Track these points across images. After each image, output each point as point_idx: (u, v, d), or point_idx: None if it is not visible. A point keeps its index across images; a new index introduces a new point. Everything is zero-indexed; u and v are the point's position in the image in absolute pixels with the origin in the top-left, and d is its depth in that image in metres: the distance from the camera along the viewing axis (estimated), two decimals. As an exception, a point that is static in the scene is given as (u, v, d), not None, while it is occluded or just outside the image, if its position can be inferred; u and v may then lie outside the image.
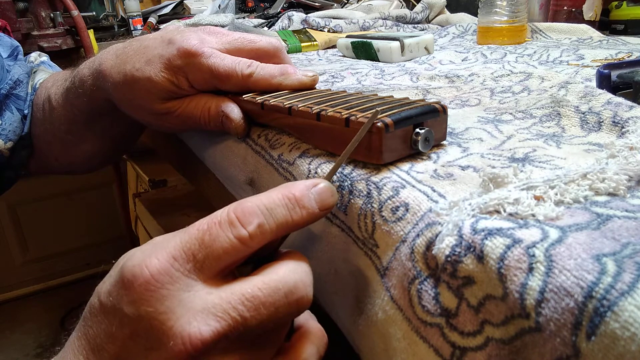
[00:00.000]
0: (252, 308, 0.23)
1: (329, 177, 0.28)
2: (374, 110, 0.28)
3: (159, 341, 0.23)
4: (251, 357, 0.25)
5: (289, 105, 0.35)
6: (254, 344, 0.25)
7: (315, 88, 0.40)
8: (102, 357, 0.24)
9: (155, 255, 0.24)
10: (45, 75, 0.57)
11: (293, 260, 0.25)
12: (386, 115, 0.29)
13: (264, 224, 0.24)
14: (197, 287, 0.23)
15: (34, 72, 0.58)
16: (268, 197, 0.25)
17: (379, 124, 0.28)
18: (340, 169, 0.30)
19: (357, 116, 0.29)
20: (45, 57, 0.62)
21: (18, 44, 0.58)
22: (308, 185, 0.26)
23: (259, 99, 0.37)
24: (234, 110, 0.39)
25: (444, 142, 0.33)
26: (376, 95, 0.36)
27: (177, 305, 0.23)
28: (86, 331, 0.25)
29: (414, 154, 0.31)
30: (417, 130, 0.30)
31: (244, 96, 0.39)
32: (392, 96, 0.35)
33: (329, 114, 0.31)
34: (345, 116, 0.30)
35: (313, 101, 0.34)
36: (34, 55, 0.61)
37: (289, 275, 0.24)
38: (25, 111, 0.54)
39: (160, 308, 0.23)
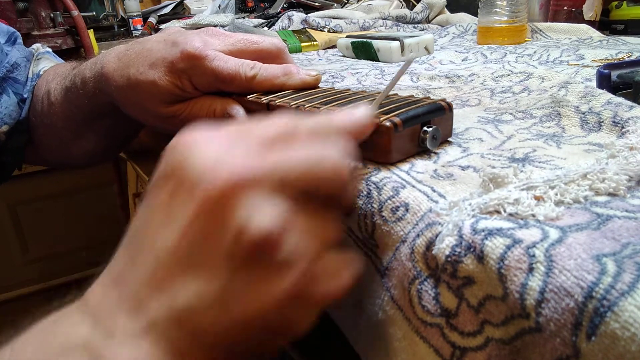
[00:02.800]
0: (288, 159, 0.22)
1: (376, 104, 0.29)
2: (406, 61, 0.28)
3: (194, 185, 0.21)
4: (297, 218, 0.22)
5: (296, 105, 0.35)
6: (299, 206, 0.22)
7: (318, 87, 0.40)
8: (137, 240, 0.23)
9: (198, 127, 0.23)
10: (50, 64, 0.57)
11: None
12: (394, 115, 0.29)
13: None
14: (236, 142, 0.23)
15: (38, 59, 0.58)
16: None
17: (387, 124, 0.28)
18: None
19: None
20: (48, 49, 0.62)
21: (15, 30, 0.58)
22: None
23: (264, 99, 0.38)
24: (239, 112, 0.39)
25: (449, 139, 0.33)
26: (380, 93, 0.36)
27: (214, 150, 0.22)
28: (126, 232, 0.24)
29: (421, 152, 0.31)
30: (425, 128, 0.30)
31: (248, 97, 0.39)
32: (397, 94, 0.35)
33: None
34: None
35: (319, 101, 0.34)
36: (37, 46, 0.61)
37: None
38: (25, 95, 0.54)
39: (197, 153, 0.22)
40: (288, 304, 0.22)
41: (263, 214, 0.21)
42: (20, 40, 0.57)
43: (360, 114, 0.26)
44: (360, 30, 0.95)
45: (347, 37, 0.76)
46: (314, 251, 0.22)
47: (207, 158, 0.22)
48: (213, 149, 0.22)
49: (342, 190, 0.24)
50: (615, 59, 0.54)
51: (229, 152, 0.22)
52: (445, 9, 1.08)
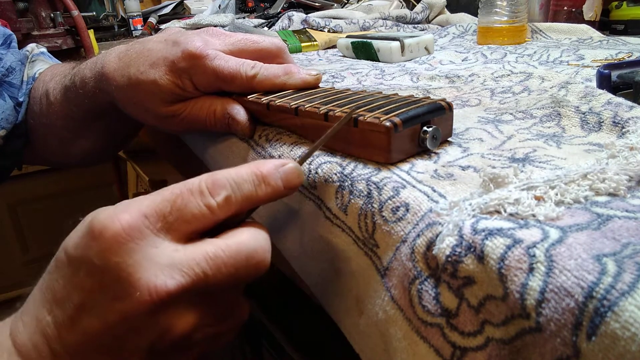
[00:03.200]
0: (214, 266, 0.25)
1: (301, 161, 0.29)
2: (352, 108, 0.30)
3: (125, 291, 0.24)
4: (210, 313, 0.27)
5: (296, 105, 0.35)
6: (213, 301, 0.27)
7: (319, 87, 0.40)
8: (66, 307, 0.25)
9: (127, 211, 0.25)
10: (45, 66, 0.57)
11: (254, 228, 0.27)
12: (394, 115, 0.29)
13: (231, 196, 0.26)
14: (165, 244, 0.25)
15: (33, 62, 0.58)
16: (237, 172, 0.27)
17: (387, 124, 0.28)
18: (340, 169, 0.30)
19: (365, 116, 0.30)
20: (43, 49, 0.62)
21: (11, 32, 0.57)
22: (277, 165, 0.28)
23: (264, 99, 0.38)
24: (240, 112, 0.39)
25: (449, 139, 0.33)
26: (381, 93, 0.36)
27: (145, 259, 0.24)
28: (50, 284, 0.26)
29: (421, 152, 0.31)
30: (425, 128, 0.30)
31: (249, 97, 0.39)
32: (396, 94, 0.35)
33: (336, 114, 0.31)
34: (353, 116, 0.30)
35: (319, 101, 0.34)
36: (31, 46, 0.61)
37: (250, 240, 0.26)
38: (21, 99, 0.54)
39: (129, 260, 0.24)
40: None
41: (182, 321, 0.26)
42: (15, 44, 0.57)
43: (278, 179, 0.28)
44: (360, 31, 0.95)
45: (347, 37, 0.76)
46: (217, 327, 0.28)
47: (142, 268, 0.24)
48: (145, 256, 0.24)
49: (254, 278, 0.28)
50: (615, 59, 0.54)
51: (158, 264, 0.24)
52: (445, 9, 1.08)
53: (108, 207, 0.26)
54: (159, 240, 0.25)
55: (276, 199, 0.28)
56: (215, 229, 0.27)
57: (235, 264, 0.25)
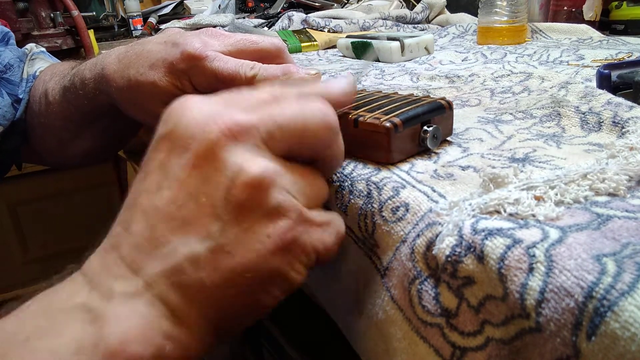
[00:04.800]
0: (282, 113, 0.24)
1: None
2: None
3: (191, 136, 0.23)
4: (286, 173, 0.24)
5: None
6: (289, 163, 0.24)
7: None
8: (134, 202, 0.24)
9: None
10: (45, 64, 0.57)
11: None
12: (394, 115, 0.29)
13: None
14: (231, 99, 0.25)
15: (32, 59, 0.57)
16: None
17: (387, 124, 0.28)
18: (340, 169, 0.30)
19: (366, 117, 0.30)
20: (42, 49, 0.62)
21: (9, 30, 0.57)
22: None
23: None
24: None
25: (449, 139, 0.33)
26: (381, 92, 0.36)
27: (210, 104, 0.24)
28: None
29: (422, 152, 0.31)
30: (425, 127, 0.30)
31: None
32: (396, 92, 0.35)
33: (337, 114, 0.31)
34: (353, 117, 0.30)
35: None
36: (30, 46, 0.61)
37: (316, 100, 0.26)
38: (20, 96, 0.54)
39: (195, 109, 0.23)
40: (280, 253, 0.23)
41: (254, 161, 0.22)
42: (13, 41, 0.57)
43: (343, 83, 0.29)
44: (360, 31, 0.95)
45: (347, 37, 0.76)
46: (303, 202, 0.24)
47: (199, 115, 0.23)
48: (205, 108, 0.23)
49: (328, 146, 0.25)
50: (615, 59, 0.54)
51: (221, 109, 0.23)
52: (445, 9, 1.08)
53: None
54: (226, 99, 0.25)
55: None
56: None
57: (303, 115, 0.24)
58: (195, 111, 0.23)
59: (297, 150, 0.24)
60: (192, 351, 0.23)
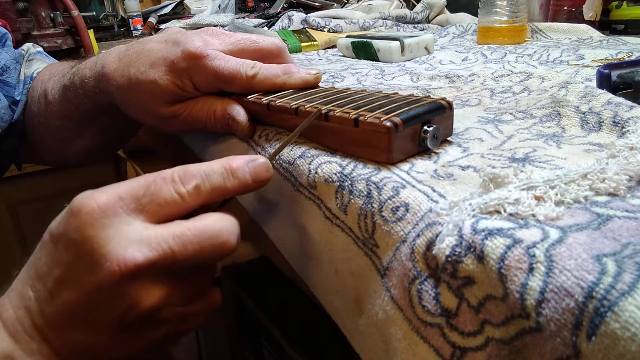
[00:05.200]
0: (181, 244, 0.27)
1: (271, 157, 0.32)
2: (320, 106, 0.32)
3: (97, 263, 0.26)
4: (178, 292, 0.29)
5: (296, 105, 0.34)
6: (181, 280, 0.29)
7: (318, 86, 0.40)
8: (46, 282, 0.28)
9: (104, 192, 0.28)
10: (43, 65, 0.57)
11: (222, 213, 0.29)
12: (395, 115, 0.29)
13: (200, 186, 0.29)
14: (136, 223, 0.27)
15: (30, 60, 0.57)
16: (209, 165, 0.30)
17: (387, 124, 0.28)
18: (340, 169, 0.30)
19: (366, 116, 0.30)
20: (39, 48, 0.62)
21: (6, 31, 0.57)
22: (246, 160, 0.30)
23: (265, 99, 0.37)
24: (240, 113, 0.39)
25: (449, 139, 0.33)
26: (381, 92, 0.36)
27: (116, 234, 0.27)
28: (34, 262, 0.29)
29: (422, 152, 0.31)
30: (425, 127, 0.30)
31: (248, 97, 0.39)
32: (396, 93, 0.35)
33: (337, 114, 0.31)
34: (353, 117, 0.30)
35: (319, 101, 0.34)
36: (27, 46, 0.61)
37: (216, 222, 0.28)
38: (17, 98, 0.54)
39: (101, 234, 0.26)
40: (159, 343, 0.30)
41: (149, 295, 0.27)
42: (10, 42, 0.57)
43: (258, 170, 0.31)
44: (360, 30, 0.95)
45: (347, 37, 0.76)
46: (187, 302, 0.30)
47: (108, 243, 0.26)
48: (114, 232, 0.27)
49: (216, 260, 0.30)
50: (615, 59, 0.54)
51: (126, 240, 0.27)
52: (445, 9, 1.08)
53: (89, 190, 0.28)
54: (131, 219, 0.27)
55: (245, 192, 0.30)
56: (188, 217, 0.29)
57: (200, 242, 0.27)
58: (105, 235, 0.26)
59: (189, 266, 0.29)
60: None
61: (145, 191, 0.28)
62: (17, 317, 0.28)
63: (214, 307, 0.32)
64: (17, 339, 0.28)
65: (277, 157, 0.33)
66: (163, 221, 0.28)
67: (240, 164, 0.30)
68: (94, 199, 0.27)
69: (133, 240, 0.27)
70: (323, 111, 0.32)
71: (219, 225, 0.28)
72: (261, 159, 0.30)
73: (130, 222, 0.27)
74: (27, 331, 0.28)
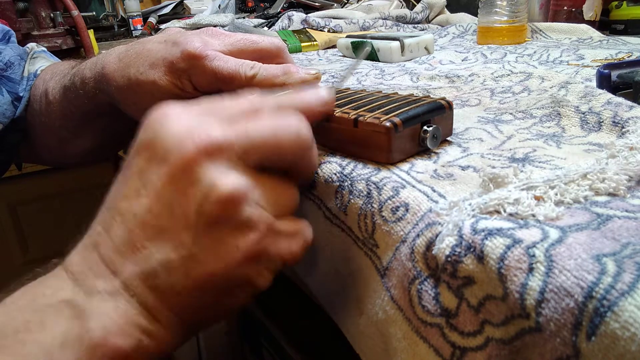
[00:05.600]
0: (257, 128, 0.25)
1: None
2: (352, 107, 0.32)
3: (167, 150, 0.24)
4: (258, 186, 0.25)
5: None
6: (261, 175, 0.25)
7: (319, 86, 0.40)
8: (116, 203, 0.25)
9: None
10: (46, 63, 0.57)
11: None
12: (394, 115, 0.29)
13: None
14: (211, 118, 0.25)
15: (34, 58, 0.58)
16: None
17: (387, 124, 0.28)
18: (340, 169, 0.30)
19: (366, 116, 0.30)
20: (43, 48, 0.62)
21: (10, 28, 0.57)
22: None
23: None
24: None
25: (449, 139, 0.33)
26: (381, 92, 0.36)
27: (187, 117, 0.25)
28: (104, 201, 0.26)
29: (422, 152, 0.31)
30: (425, 127, 0.30)
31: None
32: (396, 93, 0.35)
33: (336, 114, 0.31)
34: (353, 117, 0.30)
35: None
36: (31, 45, 0.61)
37: (288, 117, 0.26)
38: (21, 94, 0.54)
39: (172, 121, 0.24)
40: (248, 262, 0.25)
41: (227, 177, 0.24)
42: (14, 39, 0.57)
43: (322, 94, 0.30)
44: (360, 30, 0.95)
45: (347, 37, 0.76)
46: (272, 214, 0.25)
47: (178, 129, 0.24)
48: (184, 121, 0.24)
49: (301, 159, 0.27)
50: (615, 59, 0.54)
51: (198, 124, 0.24)
52: (445, 9, 1.08)
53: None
54: (203, 111, 0.26)
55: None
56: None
57: (275, 129, 0.25)
58: (174, 124, 0.24)
59: (271, 163, 0.26)
60: (167, 344, 0.25)
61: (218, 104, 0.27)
62: (83, 258, 0.25)
63: (307, 240, 0.27)
64: (78, 280, 0.25)
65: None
66: None
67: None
68: (167, 105, 0.25)
69: (208, 122, 0.24)
70: None
71: (293, 118, 0.26)
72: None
73: (202, 112, 0.25)
74: (92, 268, 0.25)
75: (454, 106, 0.33)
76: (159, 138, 0.24)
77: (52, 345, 0.22)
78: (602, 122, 0.33)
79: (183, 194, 0.24)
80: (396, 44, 0.66)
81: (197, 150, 0.23)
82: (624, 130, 0.31)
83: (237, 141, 0.24)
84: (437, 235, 0.23)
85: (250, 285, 0.25)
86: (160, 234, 0.24)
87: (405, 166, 0.29)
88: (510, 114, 0.38)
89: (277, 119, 0.26)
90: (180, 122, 0.24)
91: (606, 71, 0.37)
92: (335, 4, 1.23)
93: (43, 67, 0.56)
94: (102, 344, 0.23)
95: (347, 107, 0.32)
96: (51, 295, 0.24)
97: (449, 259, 0.22)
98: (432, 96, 0.33)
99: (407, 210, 0.25)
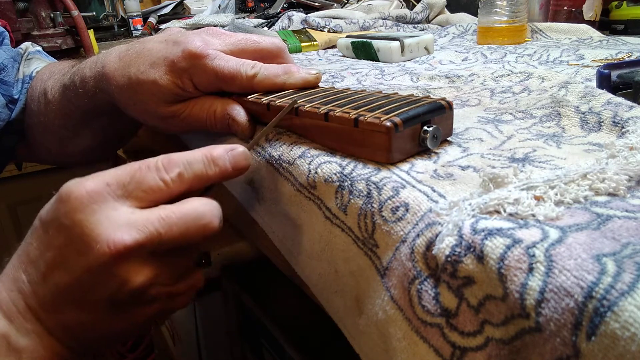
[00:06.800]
0: (166, 225, 0.29)
1: (250, 146, 0.33)
2: (293, 99, 0.33)
3: (87, 246, 0.28)
4: (164, 272, 0.30)
5: (296, 106, 0.35)
6: (167, 262, 0.31)
7: (318, 86, 0.40)
8: (39, 265, 0.29)
9: (91, 179, 0.29)
10: (42, 64, 0.57)
11: (205, 198, 0.31)
12: (395, 115, 0.29)
13: (183, 173, 0.30)
14: (123, 208, 0.29)
15: (29, 60, 0.57)
16: (191, 153, 0.31)
17: (387, 124, 0.28)
18: (340, 169, 0.30)
19: (366, 116, 0.30)
20: (38, 47, 0.62)
21: (3, 29, 0.57)
22: (226, 149, 0.32)
23: (265, 99, 0.37)
24: (240, 113, 0.39)
25: (449, 139, 0.33)
26: (381, 92, 0.36)
27: (105, 218, 0.28)
28: (26, 247, 0.30)
29: (422, 152, 0.31)
30: (425, 127, 0.30)
31: (249, 97, 0.39)
32: (396, 93, 0.35)
33: (336, 114, 0.31)
34: (353, 116, 0.30)
35: (319, 101, 0.34)
36: (25, 45, 0.61)
37: (199, 205, 0.30)
38: (16, 96, 0.54)
39: (91, 218, 0.28)
40: (148, 321, 0.32)
41: (138, 275, 0.29)
42: (7, 41, 0.57)
43: (237, 159, 0.32)
44: (360, 30, 0.95)
45: (347, 37, 0.76)
46: (174, 282, 0.32)
47: (97, 231, 0.28)
48: (102, 220, 0.28)
49: (203, 240, 0.31)
50: (615, 59, 0.54)
51: (114, 228, 0.28)
52: (445, 9, 1.08)
53: (76, 178, 0.30)
54: (118, 205, 0.29)
55: (226, 179, 0.32)
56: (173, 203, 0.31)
57: (185, 223, 0.29)
58: (92, 222, 0.28)
59: (175, 248, 0.30)
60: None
61: (131, 178, 0.29)
62: (10, 299, 0.30)
63: (198, 288, 0.34)
64: (11, 319, 0.29)
65: (255, 146, 0.36)
66: (149, 206, 0.30)
67: (221, 153, 0.31)
68: (82, 186, 0.28)
69: (121, 223, 0.28)
70: (322, 111, 0.32)
71: (202, 208, 0.30)
72: (240, 148, 0.32)
73: (118, 207, 0.29)
74: (21, 312, 0.30)
75: (454, 106, 0.33)
76: (79, 230, 0.28)
77: None
78: (602, 122, 0.33)
79: (99, 282, 0.29)
80: (396, 44, 0.66)
81: (115, 254, 0.28)
82: (624, 130, 0.31)
83: (148, 243, 0.28)
84: (437, 235, 0.23)
85: (149, 326, 0.34)
86: (78, 303, 0.29)
87: (405, 166, 0.29)
88: (510, 114, 0.38)
89: (182, 213, 0.29)
90: (98, 221, 0.28)
91: (606, 71, 0.37)
92: (335, 4, 1.23)
93: (39, 69, 0.56)
94: None
95: (347, 107, 0.32)
96: None
97: (449, 258, 0.22)
98: (432, 96, 0.33)
99: (407, 210, 0.25)
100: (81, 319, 0.30)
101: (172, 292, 0.32)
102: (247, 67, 0.39)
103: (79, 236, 0.28)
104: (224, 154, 0.31)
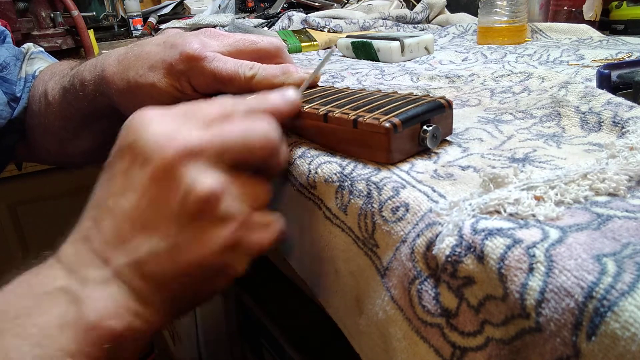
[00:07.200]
0: (229, 131, 0.28)
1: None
2: (352, 107, 0.32)
3: (151, 153, 0.26)
4: (234, 182, 0.28)
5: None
6: (237, 173, 0.28)
7: (318, 86, 0.40)
8: (103, 202, 0.28)
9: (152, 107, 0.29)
10: (45, 64, 0.57)
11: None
12: (394, 115, 0.29)
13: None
14: (184, 121, 0.28)
15: (32, 59, 0.57)
16: None
17: (387, 125, 0.28)
18: (340, 169, 0.30)
19: (365, 117, 0.30)
20: (40, 48, 0.62)
21: (4, 28, 0.58)
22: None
23: None
24: None
25: (449, 139, 0.33)
26: (380, 91, 0.36)
27: (167, 126, 0.27)
28: (90, 202, 0.29)
29: (422, 152, 0.31)
30: (425, 127, 0.30)
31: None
32: (396, 92, 0.35)
33: (336, 115, 0.31)
34: (353, 117, 0.30)
35: (318, 101, 0.34)
36: (28, 45, 0.61)
37: (258, 121, 0.29)
38: (18, 95, 0.54)
39: (152, 130, 0.27)
40: (227, 250, 0.27)
41: (205, 177, 0.26)
42: (9, 39, 0.57)
43: (288, 95, 0.32)
44: (360, 30, 0.95)
45: (347, 37, 0.76)
46: (247, 208, 0.28)
47: (159, 134, 0.27)
48: (163, 126, 0.27)
49: (270, 158, 0.29)
50: (615, 59, 0.54)
51: (177, 128, 0.27)
52: (445, 9, 1.08)
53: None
54: (180, 119, 0.28)
55: (279, 110, 0.32)
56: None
57: (245, 131, 0.28)
58: (154, 128, 0.27)
59: (243, 162, 0.28)
60: (155, 324, 0.28)
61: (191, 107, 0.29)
62: (75, 250, 0.28)
63: (279, 229, 0.30)
64: (72, 270, 0.27)
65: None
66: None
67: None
68: (146, 109, 0.28)
69: (184, 127, 0.27)
70: (322, 112, 0.32)
71: (261, 121, 0.29)
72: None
73: (179, 121, 0.28)
74: (85, 260, 0.27)
75: (454, 106, 0.33)
76: (141, 141, 0.27)
77: (51, 327, 0.25)
78: (602, 122, 0.33)
79: (166, 192, 0.26)
80: (396, 44, 0.66)
81: (177, 154, 0.26)
82: (624, 130, 0.31)
83: (212, 144, 0.27)
84: (437, 235, 0.23)
85: (229, 271, 0.28)
86: (147, 227, 0.26)
87: (405, 166, 0.29)
88: (511, 114, 0.38)
89: (247, 123, 0.28)
90: (160, 127, 0.27)
91: (606, 71, 0.37)
92: (335, 4, 1.23)
93: (41, 68, 0.56)
94: (97, 326, 0.25)
95: (346, 107, 0.32)
96: (47, 283, 0.27)
97: (449, 259, 0.22)
98: (431, 95, 0.33)
99: (407, 210, 0.25)
100: (152, 247, 0.26)
101: (249, 219, 0.28)
102: (246, 68, 0.39)
103: (141, 148, 0.27)
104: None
